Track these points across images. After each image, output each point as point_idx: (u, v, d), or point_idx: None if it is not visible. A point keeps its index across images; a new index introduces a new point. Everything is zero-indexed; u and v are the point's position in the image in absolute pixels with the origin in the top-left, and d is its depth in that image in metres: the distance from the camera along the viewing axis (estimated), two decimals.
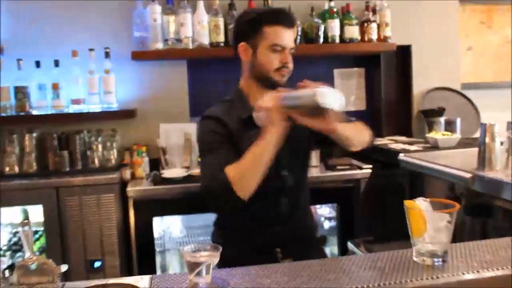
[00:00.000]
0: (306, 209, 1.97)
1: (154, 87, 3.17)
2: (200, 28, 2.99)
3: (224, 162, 1.64)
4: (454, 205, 1.21)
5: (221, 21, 3.02)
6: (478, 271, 1.16)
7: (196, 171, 2.90)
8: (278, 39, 1.75)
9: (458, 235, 2.60)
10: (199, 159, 1.78)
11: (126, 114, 3.04)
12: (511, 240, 1.35)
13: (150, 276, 1.18)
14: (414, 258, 1.22)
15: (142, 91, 3.15)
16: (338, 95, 1.50)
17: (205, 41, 3.00)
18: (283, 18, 1.77)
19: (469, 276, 1.14)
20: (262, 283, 1.12)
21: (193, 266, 1.12)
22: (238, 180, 1.58)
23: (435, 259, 1.19)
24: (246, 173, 1.60)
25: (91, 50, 2.96)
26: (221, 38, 3.01)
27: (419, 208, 1.21)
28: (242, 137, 1.75)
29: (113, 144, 2.96)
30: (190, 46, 2.99)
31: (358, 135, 1.80)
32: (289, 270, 1.20)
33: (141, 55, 2.98)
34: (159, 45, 2.98)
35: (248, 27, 1.79)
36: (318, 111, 1.51)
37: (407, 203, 1.23)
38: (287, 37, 1.77)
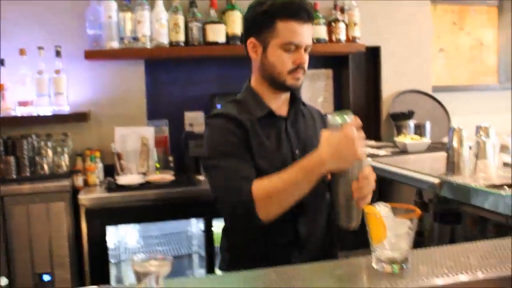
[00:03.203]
0: (326, 230, 1.81)
1: (109, 89, 3.15)
2: (159, 26, 2.99)
3: (245, 170, 1.57)
4: (415, 210, 1.25)
5: (181, 19, 3.02)
6: (438, 277, 1.20)
7: (153, 177, 2.90)
8: (292, 36, 1.63)
9: (427, 242, 2.67)
10: (209, 162, 1.64)
11: (78, 117, 3.01)
12: (475, 245, 1.40)
13: (96, 287, 1.18)
14: (374, 265, 1.26)
15: (96, 93, 3.13)
16: None
17: (164, 40, 3.00)
18: (299, 11, 1.63)
19: (429, 282, 1.18)
20: None
21: (143, 276, 1.13)
22: (263, 200, 1.50)
23: (395, 266, 1.23)
24: (275, 196, 1.51)
25: (40, 48, 2.92)
26: (181, 37, 3.02)
27: (379, 214, 1.25)
28: (258, 138, 1.66)
29: (64, 149, 2.92)
30: (148, 46, 2.99)
31: None
32: (244, 279, 1.22)
33: (95, 55, 2.96)
34: (115, 44, 2.97)
35: (259, 20, 1.66)
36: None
37: (366, 208, 1.26)
38: (303, 33, 1.64)
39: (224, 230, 1.83)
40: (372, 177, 1.52)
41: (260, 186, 1.51)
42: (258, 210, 1.49)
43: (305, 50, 1.68)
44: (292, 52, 1.65)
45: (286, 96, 1.77)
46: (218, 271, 1.87)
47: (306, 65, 1.69)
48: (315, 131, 1.79)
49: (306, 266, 1.29)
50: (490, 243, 1.42)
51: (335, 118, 1.48)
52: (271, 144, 1.68)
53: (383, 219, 1.22)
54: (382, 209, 1.27)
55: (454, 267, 1.26)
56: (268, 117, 1.71)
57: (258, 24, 1.67)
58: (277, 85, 1.69)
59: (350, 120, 1.48)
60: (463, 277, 1.20)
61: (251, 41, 1.70)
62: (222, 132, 1.65)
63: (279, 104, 1.76)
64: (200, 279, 1.22)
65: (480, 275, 1.21)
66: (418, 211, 1.24)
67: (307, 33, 1.66)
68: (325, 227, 1.80)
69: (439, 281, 1.19)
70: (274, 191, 1.50)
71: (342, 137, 1.44)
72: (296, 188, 1.50)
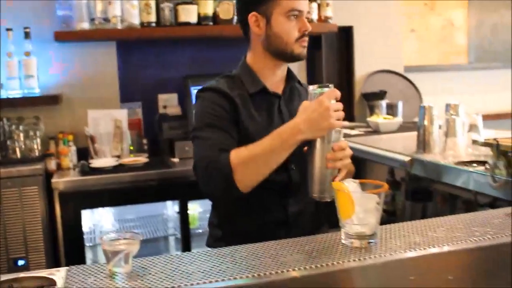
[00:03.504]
0: (315, 210, 1.82)
1: (80, 71, 3.10)
2: (130, 6, 2.95)
3: (226, 142, 1.56)
4: (383, 185, 1.26)
5: (152, 0, 2.98)
6: (405, 252, 1.22)
7: (127, 160, 2.88)
8: (294, 2, 1.62)
9: (399, 220, 2.71)
10: (194, 133, 1.64)
11: (50, 100, 2.96)
12: (442, 220, 1.43)
13: (67, 268, 1.18)
14: (343, 241, 1.27)
15: (68, 75, 3.08)
16: None
17: (135, 21, 2.96)
18: None
19: (396, 256, 1.19)
20: (185, 270, 1.14)
21: (112, 255, 1.12)
22: (240, 168, 1.49)
23: (363, 241, 1.24)
24: (252, 163, 1.50)
25: (8, 30, 2.86)
26: (152, 17, 2.98)
27: (347, 189, 1.26)
28: (249, 114, 1.66)
29: (36, 132, 2.89)
30: (119, 26, 2.94)
31: None
32: (213, 256, 1.22)
33: (65, 36, 2.91)
34: (85, 25, 2.92)
35: None
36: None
37: (335, 184, 1.27)
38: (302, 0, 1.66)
39: (213, 206, 1.83)
40: (348, 152, 1.52)
41: (237, 155, 1.50)
42: (235, 179, 1.48)
43: (306, 18, 1.68)
44: (295, 20, 1.64)
45: (283, 73, 1.76)
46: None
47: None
48: None
49: (276, 242, 1.30)
50: (456, 218, 1.45)
51: (315, 89, 1.49)
52: (262, 120, 1.68)
53: (351, 194, 1.23)
54: (350, 185, 1.28)
55: (421, 241, 1.28)
56: (262, 94, 1.70)
57: None
58: (285, 56, 1.68)
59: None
60: (430, 250, 1.22)
61: (253, 15, 1.67)
62: (210, 105, 1.64)
63: (275, 81, 1.75)
64: (165, 257, 1.22)
65: (446, 248, 1.23)
66: (386, 186, 1.25)
67: (306, 0, 1.68)
68: (314, 206, 1.81)
69: (407, 254, 1.20)
70: (251, 159, 1.49)
71: (317, 105, 1.44)
72: (273, 155, 1.50)
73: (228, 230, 1.76)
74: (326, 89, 1.48)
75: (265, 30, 1.66)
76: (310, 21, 1.69)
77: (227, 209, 1.77)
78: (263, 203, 1.67)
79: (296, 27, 1.65)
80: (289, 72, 1.79)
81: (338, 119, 1.46)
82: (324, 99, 1.45)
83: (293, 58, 1.69)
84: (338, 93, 1.48)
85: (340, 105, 1.48)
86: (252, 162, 1.50)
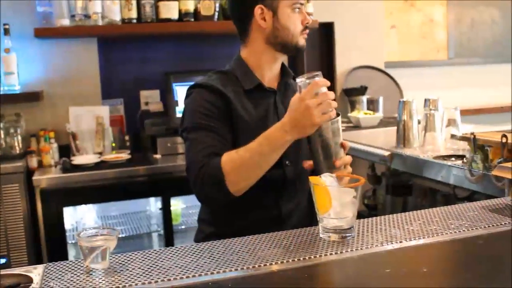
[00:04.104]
0: (308, 207, 1.78)
1: (61, 68, 3.07)
2: (111, 3, 2.92)
3: (218, 145, 1.54)
4: (359, 179, 1.27)
5: None
6: (382, 245, 1.22)
7: (109, 156, 2.87)
8: None
9: (380, 214, 2.72)
10: (183, 134, 1.62)
11: (30, 97, 2.94)
12: (419, 213, 1.44)
13: (44, 265, 1.17)
14: (321, 235, 1.27)
15: (48, 72, 3.05)
16: None
17: (116, 17, 2.94)
18: None
19: (373, 250, 1.20)
20: (163, 266, 1.14)
21: (89, 252, 1.12)
22: (232, 173, 1.47)
23: (341, 234, 1.25)
24: (243, 168, 1.48)
25: None
26: (133, 14, 2.96)
27: (324, 183, 1.26)
28: (244, 110, 1.64)
29: (17, 130, 2.86)
30: (100, 23, 2.92)
31: None
32: (191, 252, 1.22)
33: (45, 32, 2.88)
34: (65, 22, 2.89)
35: None
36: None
37: (312, 179, 1.27)
38: None
39: None
40: (348, 169, 1.55)
41: (228, 159, 1.48)
42: (228, 184, 1.47)
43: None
44: (298, 12, 1.65)
45: (278, 68, 1.75)
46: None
47: None
48: None
49: (255, 237, 1.30)
50: (432, 211, 1.46)
51: (302, 81, 1.44)
52: (256, 117, 1.66)
53: (328, 188, 1.23)
54: (327, 179, 1.28)
55: (398, 234, 1.28)
56: (257, 90, 1.68)
57: None
58: (289, 48, 1.67)
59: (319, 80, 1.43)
60: (406, 243, 1.23)
61: (259, 7, 1.64)
62: (201, 103, 1.62)
63: (271, 76, 1.73)
64: (143, 253, 1.22)
65: (421, 241, 1.24)
66: (363, 180, 1.26)
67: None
68: (307, 204, 1.78)
69: (383, 247, 1.21)
70: (242, 164, 1.47)
71: (298, 104, 1.41)
72: (263, 158, 1.48)
73: (219, 227, 1.74)
74: (316, 78, 1.42)
75: (272, 23, 1.65)
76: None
77: (219, 206, 1.74)
78: (257, 200, 1.65)
79: (300, 19, 1.65)
80: (283, 67, 1.78)
81: (325, 113, 1.41)
82: (304, 96, 1.40)
83: (297, 50, 1.68)
84: (322, 84, 1.42)
85: (326, 96, 1.41)
86: (243, 166, 1.48)
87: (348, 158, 1.54)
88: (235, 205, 1.64)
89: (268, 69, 1.72)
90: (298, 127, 1.42)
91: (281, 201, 1.70)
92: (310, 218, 1.78)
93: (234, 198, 1.55)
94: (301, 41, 1.67)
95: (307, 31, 1.70)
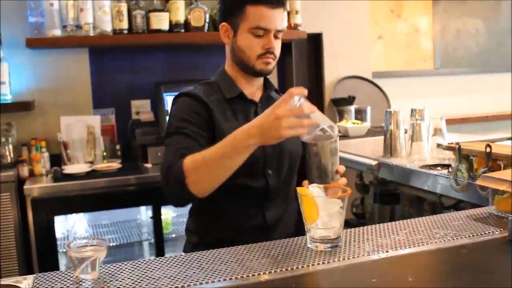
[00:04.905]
0: (295, 216, 1.78)
1: (53, 77, 3.07)
2: (102, 14, 2.92)
3: (188, 147, 1.52)
4: (346, 190, 1.27)
5: (124, 7, 2.96)
6: (368, 254, 1.23)
7: (100, 165, 2.86)
8: (260, 21, 1.60)
9: (368, 223, 2.73)
10: (165, 140, 1.63)
11: (22, 107, 2.92)
12: (405, 222, 1.45)
13: (34, 275, 1.16)
14: (308, 245, 1.28)
15: (40, 82, 3.04)
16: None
17: (108, 28, 2.94)
18: None
19: (359, 259, 1.21)
20: (152, 276, 1.14)
21: (79, 262, 1.11)
22: (193, 173, 1.44)
23: (328, 245, 1.25)
24: (204, 168, 1.44)
25: None
26: (124, 25, 2.96)
27: (311, 194, 1.27)
28: (224, 118, 1.65)
29: (8, 139, 2.84)
30: (91, 33, 2.92)
31: None
32: (181, 262, 1.22)
33: (37, 43, 2.87)
34: (57, 32, 2.89)
35: (230, 5, 1.67)
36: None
37: (299, 190, 1.28)
38: (272, 18, 1.61)
39: (191, 211, 1.81)
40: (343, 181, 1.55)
41: (191, 159, 1.45)
42: (188, 183, 1.44)
43: (276, 35, 1.64)
44: (261, 37, 1.62)
45: (259, 82, 1.76)
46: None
47: (277, 51, 1.66)
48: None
49: (243, 247, 1.30)
50: (418, 220, 1.47)
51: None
52: (239, 124, 1.62)
53: (315, 199, 1.24)
54: (314, 190, 1.29)
55: (384, 244, 1.29)
56: (239, 99, 1.70)
57: (230, 8, 1.67)
58: (247, 69, 1.67)
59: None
60: (392, 253, 1.24)
61: (223, 25, 1.69)
62: (184, 110, 1.63)
63: (252, 90, 1.74)
64: (133, 263, 1.22)
65: (407, 250, 1.25)
66: (349, 191, 1.26)
67: (277, 18, 1.63)
68: (294, 213, 1.78)
69: (369, 257, 1.22)
70: (203, 164, 1.44)
71: (270, 112, 1.34)
72: (225, 160, 1.42)
73: (205, 237, 1.74)
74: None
75: (232, 42, 1.68)
76: (282, 33, 1.66)
77: (204, 215, 1.75)
78: (240, 209, 1.66)
79: (260, 44, 1.62)
80: (266, 80, 1.79)
81: (293, 128, 1.31)
82: (278, 104, 1.33)
83: (255, 73, 1.68)
84: (296, 92, 1.34)
85: (300, 111, 1.32)
86: (204, 166, 1.45)
87: (343, 181, 1.53)
88: (219, 215, 1.67)
89: (246, 83, 1.72)
90: (263, 135, 1.36)
91: (265, 210, 1.69)
92: (297, 227, 1.78)
93: (218, 208, 1.56)
94: (259, 65, 1.64)
95: (269, 56, 1.63)
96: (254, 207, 1.68)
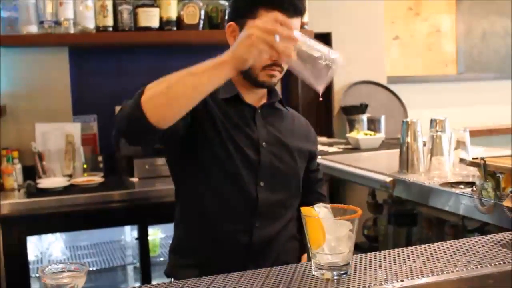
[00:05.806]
0: (291, 247, 1.81)
1: (27, 80, 3.09)
2: (84, 9, 2.94)
3: None
4: (356, 210, 1.28)
5: (108, 1, 2.98)
6: (382, 284, 1.23)
7: (80, 180, 2.87)
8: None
9: (381, 246, 2.73)
10: None
11: None
12: (423, 248, 1.45)
13: None
14: (313, 272, 1.28)
15: (13, 84, 3.06)
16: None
17: (90, 24, 2.96)
18: (284, 1, 1.60)
19: None
20: None
21: None
22: (150, 88, 1.42)
23: (335, 272, 1.25)
24: (164, 86, 1.42)
25: None
26: (109, 21, 2.98)
27: (317, 215, 1.27)
28: (217, 113, 1.68)
29: None
30: (72, 31, 2.94)
31: None
32: None
33: (9, 40, 2.89)
34: (33, 29, 2.90)
35: (243, 4, 1.68)
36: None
37: (304, 210, 1.28)
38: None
39: (175, 225, 1.82)
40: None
41: (152, 84, 1.44)
42: (142, 102, 1.40)
43: None
44: None
45: (262, 91, 1.77)
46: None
47: (285, 64, 1.64)
48: (293, 135, 1.81)
49: (240, 274, 1.30)
50: (437, 246, 1.47)
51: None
52: (230, 126, 1.69)
53: (321, 221, 1.24)
54: (321, 210, 1.29)
55: (399, 272, 1.29)
56: (234, 101, 1.72)
57: (241, 8, 1.68)
58: (249, 79, 1.68)
59: None
60: (407, 283, 1.24)
61: (231, 25, 1.70)
62: None
63: (255, 99, 1.76)
64: None
65: (424, 280, 1.25)
66: (359, 212, 1.27)
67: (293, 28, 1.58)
68: (292, 239, 1.79)
69: (383, 287, 1.22)
70: (163, 80, 1.44)
71: (243, 32, 1.41)
72: (191, 76, 1.43)
73: (188, 256, 1.75)
74: None
75: None
76: None
77: (188, 232, 1.76)
78: (226, 224, 1.67)
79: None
80: (269, 90, 1.80)
81: (261, 52, 1.38)
82: (257, 23, 1.42)
83: (257, 84, 1.69)
84: (280, 19, 1.45)
85: (274, 29, 1.38)
86: (165, 81, 1.43)
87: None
88: (203, 233, 1.69)
89: (250, 92, 1.74)
90: (235, 53, 1.41)
91: (253, 228, 1.70)
92: (294, 254, 1.80)
93: (202, 224, 1.61)
94: (262, 77, 1.65)
95: (276, 68, 1.64)
96: (240, 223, 1.69)
